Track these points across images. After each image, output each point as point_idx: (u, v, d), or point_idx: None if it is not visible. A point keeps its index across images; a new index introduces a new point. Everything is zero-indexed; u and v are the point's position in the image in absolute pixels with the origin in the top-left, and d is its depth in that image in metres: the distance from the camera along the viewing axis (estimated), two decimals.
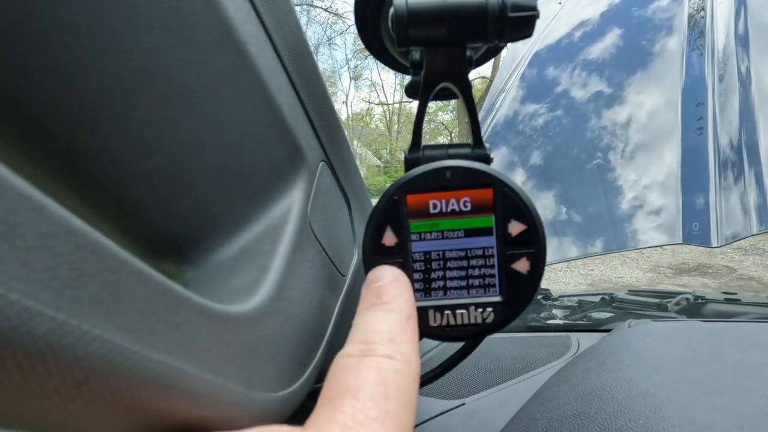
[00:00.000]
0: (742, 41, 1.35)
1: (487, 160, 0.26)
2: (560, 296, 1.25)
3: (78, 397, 0.11)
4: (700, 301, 1.06)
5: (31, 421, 0.12)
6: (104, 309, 0.12)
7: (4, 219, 0.10)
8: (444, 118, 16.63)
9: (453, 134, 15.37)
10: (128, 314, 0.13)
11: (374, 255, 0.25)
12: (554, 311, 1.13)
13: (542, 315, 1.10)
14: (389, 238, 0.25)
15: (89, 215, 0.20)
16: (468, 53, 0.25)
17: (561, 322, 1.03)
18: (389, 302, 0.21)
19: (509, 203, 0.24)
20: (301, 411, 0.25)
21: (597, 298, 1.18)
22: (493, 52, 0.29)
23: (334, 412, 0.16)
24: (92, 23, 0.16)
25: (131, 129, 0.19)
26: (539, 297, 1.22)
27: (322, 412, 0.16)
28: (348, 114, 17.95)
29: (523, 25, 0.24)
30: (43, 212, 0.10)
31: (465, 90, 0.26)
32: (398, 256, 0.25)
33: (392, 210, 0.24)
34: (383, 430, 0.15)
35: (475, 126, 0.27)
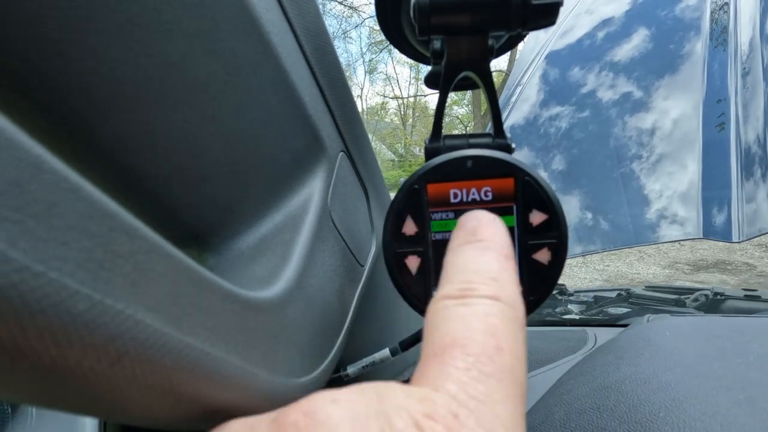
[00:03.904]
0: None
1: (509, 149, 0.26)
2: (576, 291, 1.24)
3: (112, 376, 0.12)
4: (719, 297, 1.04)
5: (66, 401, 0.12)
6: (137, 290, 0.12)
7: (42, 198, 0.10)
8: (459, 112, 16.53)
9: (468, 128, 15.27)
10: (159, 296, 0.13)
11: (394, 243, 0.25)
12: (570, 306, 1.12)
13: (558, 310, 1.09)
14: (409, 227, 0.24)
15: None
16: (490, 42, 0.25)
17: (577, 317, 1.02)
18: (486, 239, 0.19)
19: (530, 193, 0.24)
20: None
21: (613, 294, 1.17)
22: (515, 41, 0.28)
23: (445, 367, 0.15)
24: (115, 10, 0.17)
25: (154, 116, 0.19)
26: (555, 292, 1.21)
27: (430, 366, 0.15)
28: (363, 108, 17.90)
29: (546, 12, 0.23)
30: (80, 193, 0.11)
31: (487, 79, 0.26)
32: (418, 245, 0.25)
33: (413, 199, 0.24)
34: (501, 387, 0.14)
35: (496, 116, 0.26)
